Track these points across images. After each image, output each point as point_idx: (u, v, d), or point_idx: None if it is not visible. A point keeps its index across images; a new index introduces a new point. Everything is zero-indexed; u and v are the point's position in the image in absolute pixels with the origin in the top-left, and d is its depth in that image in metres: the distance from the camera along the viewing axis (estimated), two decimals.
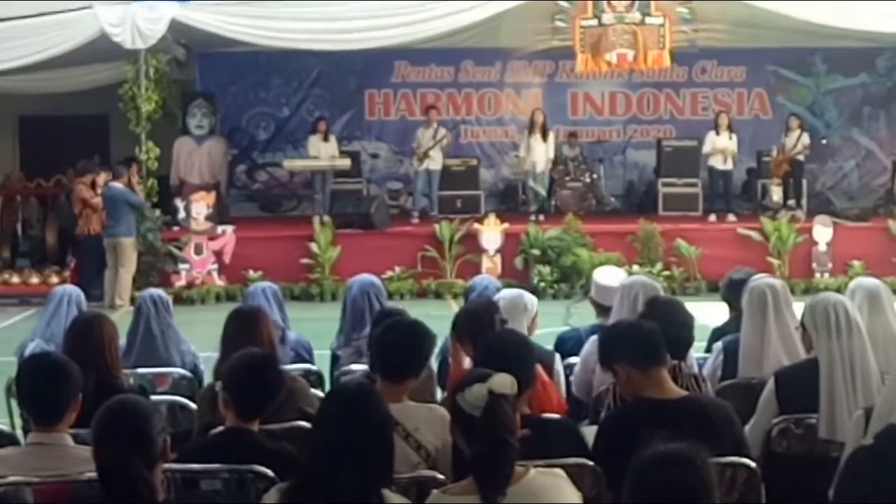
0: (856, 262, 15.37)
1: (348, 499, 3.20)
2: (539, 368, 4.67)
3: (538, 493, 3.32)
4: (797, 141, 16.85)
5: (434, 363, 6.05)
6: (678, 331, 4.88)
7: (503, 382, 3.38)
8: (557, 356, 5.74)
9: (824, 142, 17.23)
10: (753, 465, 4.23)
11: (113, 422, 3.40)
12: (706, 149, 16.83)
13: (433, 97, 19.16)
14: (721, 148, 16.69)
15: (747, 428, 4.71)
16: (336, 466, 3.22)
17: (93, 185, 15.24)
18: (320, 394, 5.27)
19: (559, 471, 3.48)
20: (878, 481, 3.05)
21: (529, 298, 5.82)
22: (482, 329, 4.92)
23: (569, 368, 5.84)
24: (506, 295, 5.86)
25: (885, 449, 3.13)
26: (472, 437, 3.32)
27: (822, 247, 15.74)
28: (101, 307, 12.50)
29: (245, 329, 5.23)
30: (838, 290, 8.05)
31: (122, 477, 3.17)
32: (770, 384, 4.88)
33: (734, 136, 16.85)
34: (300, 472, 3.38)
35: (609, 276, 6.48)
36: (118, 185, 14.78)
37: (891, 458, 3.09)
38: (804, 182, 17.36)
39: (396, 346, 4.39)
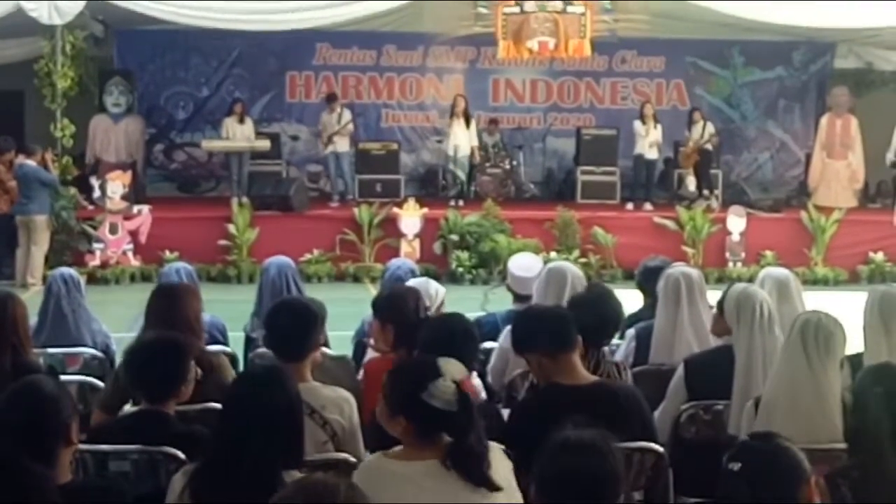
0: (768, 252, 15.59)
1: (250, 480, 3.21)
2: None
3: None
4: (703, 131, 17.07)
5: (350, 346, 6.10)
6: (606, 319, 4.94)
7: (458, 370, 3.39)
8: None
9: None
10: (661, 450, 4.30)
11: (7, 410, 3.33)
12: (640, 137, 16.86)
13: (354, 80, 19.11)
14: (652, 138, 16.84)
15: (657, 413, 4.79)
16: (241, 448, 3.23)
17: (10, 166, 14.94)
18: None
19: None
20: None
21: (436, 286, 5.85)
22: (406, 313, 4.95)
23: (485, 354, 5.87)
24: (415, 284, 5.83)
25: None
26: (450, 429, 3.32)
27: (735, 237, 15.97)
28: (12, 286, 12.30)
29: (167, 306, 5.18)
30: (750, 279, 8.17)
31: (4, 470, 3.08)
32: (680, 370, 4.96)
33: (659, 126, 17.02)
34: (207, 454, 3.37)
35: (525, 266, 6.49)
36: (30, 162, 14.50)
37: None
38: (719, 173, 17.63)
39: (286, 327, 4.41)
